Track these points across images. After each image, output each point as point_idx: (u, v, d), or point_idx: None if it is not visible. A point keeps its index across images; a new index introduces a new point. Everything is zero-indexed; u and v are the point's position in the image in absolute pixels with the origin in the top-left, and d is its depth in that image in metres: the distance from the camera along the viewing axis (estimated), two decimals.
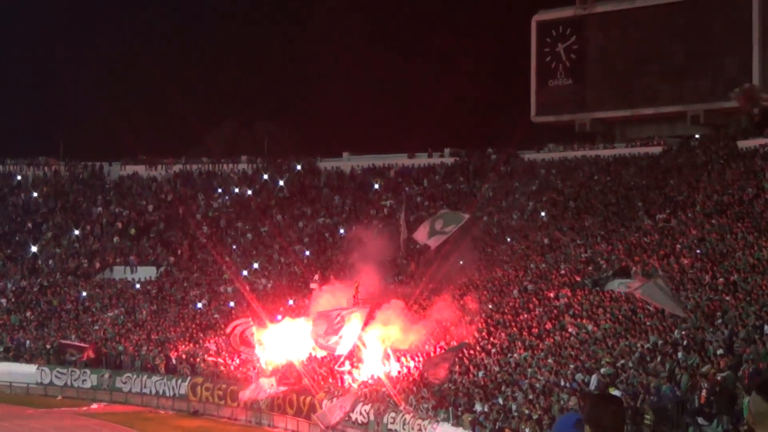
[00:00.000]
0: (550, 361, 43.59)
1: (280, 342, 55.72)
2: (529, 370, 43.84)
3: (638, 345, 40.94)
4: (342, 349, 51.88)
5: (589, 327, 45.77)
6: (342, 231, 75.47)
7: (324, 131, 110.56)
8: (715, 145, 67.61)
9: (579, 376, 40.56)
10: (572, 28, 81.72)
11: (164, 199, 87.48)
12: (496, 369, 45.46)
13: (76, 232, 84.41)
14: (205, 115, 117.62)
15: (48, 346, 66.72)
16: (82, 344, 64.94)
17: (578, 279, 53.14)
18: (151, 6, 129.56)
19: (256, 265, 73.82)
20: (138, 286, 75.56)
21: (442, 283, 57.87)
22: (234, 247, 77.83)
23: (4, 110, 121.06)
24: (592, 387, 38.70)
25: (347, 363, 53.24)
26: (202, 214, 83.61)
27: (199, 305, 69.50)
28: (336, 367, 53.03)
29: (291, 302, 62.94)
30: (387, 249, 61.78)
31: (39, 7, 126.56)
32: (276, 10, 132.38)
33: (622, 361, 39.87)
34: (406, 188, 79.03)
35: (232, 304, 68.35)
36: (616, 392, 35.24)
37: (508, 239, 63.60)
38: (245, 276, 72.50)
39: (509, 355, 46.70)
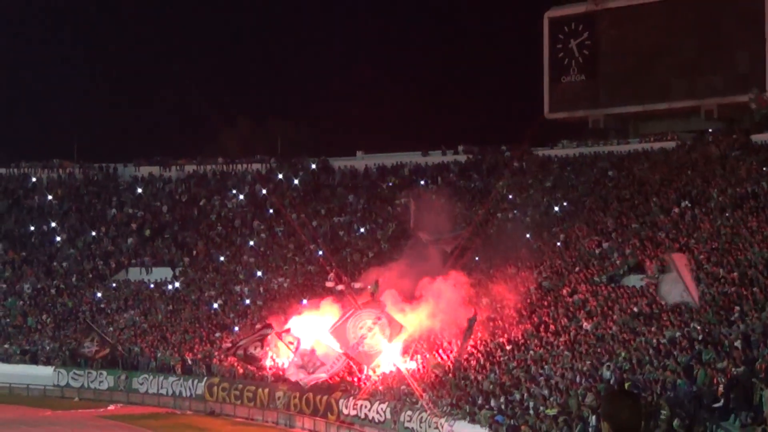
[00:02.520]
0: (566, 356, 43.56)
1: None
2: (546, 366, 43.84)
3: (654, 340, 40.89)
4: (370, 360, 51.99)
5: (605, 323, 45.74)
6: (361, 230, 75.52)
7: (338, 130, 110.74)
8: (729, 139, 67.45)
9: (595, 372, 40.52)
10: (584, 24, 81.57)
11: (178, 199, 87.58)
12: (513, 365, 45.45)
13: (92, 233, 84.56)
14: (218, 114, 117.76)
15: (64, 348, 66.96)
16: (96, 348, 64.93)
17: (593, 275, 53.10)
18: (163, 5, 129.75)
19: (270, 264, 73.82)
20: (152, 286, 75.62)
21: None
22: (249, 246, 77.85)
23: (19, 113, 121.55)
24: (608, 383, 38.65)
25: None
26: (217, 214, 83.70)
27: (215, 305, 69.54)
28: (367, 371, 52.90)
29: (305, 302, 62.90)
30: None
31: (51, 9, 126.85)
32: (290, 8, 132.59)
33: (638, 357, 39.83)
34: (421, 182, 79.05)
35: (247, 302, 68.43)
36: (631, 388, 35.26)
37: (528, 236, 63.43)
38: (260, 276, 72.56)
39: (525, 351, 46.69)
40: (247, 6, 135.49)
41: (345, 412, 50.29)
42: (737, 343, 36.75)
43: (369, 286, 58.87)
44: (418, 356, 52.05)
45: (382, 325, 51.74)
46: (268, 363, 56.65)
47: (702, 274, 45.44)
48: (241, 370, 58.13)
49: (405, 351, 52.79)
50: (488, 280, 56.75)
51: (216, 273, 75.25)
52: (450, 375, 47.17)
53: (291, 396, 53.46)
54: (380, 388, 49.92)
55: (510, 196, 71.54)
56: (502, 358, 47.07)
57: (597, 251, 56.71)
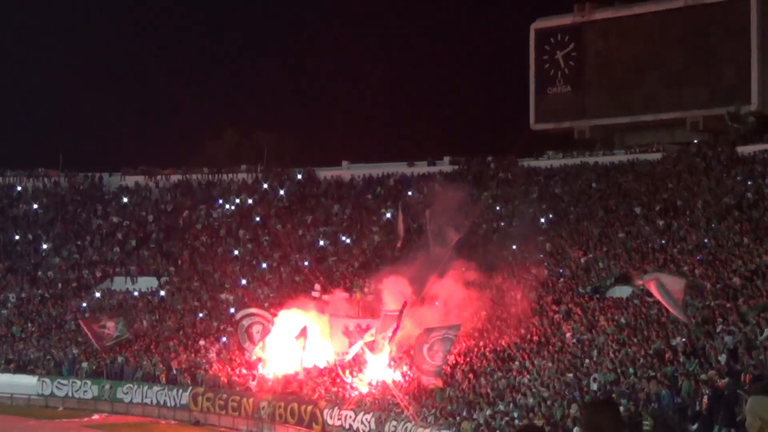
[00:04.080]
0: (551, 368, 43.64)
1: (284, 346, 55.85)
2: (527, 376, 43.92)
3: (639, 352, 40.99)
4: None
5: (590, 334, 45.85)
6: (347, 240, 75.49)
7: (323, 140, 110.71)
8: (714, 151, 67.66)
9: (580, 383, 40.61)
10: (571, 35, 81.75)
11: (164, 209, 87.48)
12: (497, 376, 45.51)
13: (77, 243, 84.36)
14: (204, 125, 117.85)
15: (48, 357, 66.89)
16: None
17: (578, 286, 53.22)
18: (150, 15, 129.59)
19: (256, 275, 73.76)
20: (137, 295, 75.50)
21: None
22: (234, 255, 77.76)
23: (4, 121, 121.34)
24: (593, 394, 38.74)
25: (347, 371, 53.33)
26: (202, 223, 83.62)
27: (200, 315, 69.41)
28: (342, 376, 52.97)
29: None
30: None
31: (35, 14, 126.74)
32: (275, 18, 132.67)
33: (623, 368, 39.92)
34: (409, 192, 79.04)
35: (232, 310, 68.31)
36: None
37: (513, 246, 63.45)
38: (245, 285, 72.47)
39: (510, 362, 46.77)
40: (233, 16, 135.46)
41: (330, 422, 50.24)
42: (721, 356, 36.88)
43: (357, 292, 59.07)
44: (404, 366, 52.05)
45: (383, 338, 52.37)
46: (252, 357, 56.98)
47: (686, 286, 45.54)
48: (225, 380, 58.11)
49: (391, 361, 52.80)
50: (474, 290, 56.73)
51: (201, 283, 75.13)
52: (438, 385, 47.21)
53: (276, 406, 53.44)
54: (365, 396, 49.94)
55: (496, 207, 71.59)
56: (487, 369, 47.11)
57: (582, 261, 56.84)
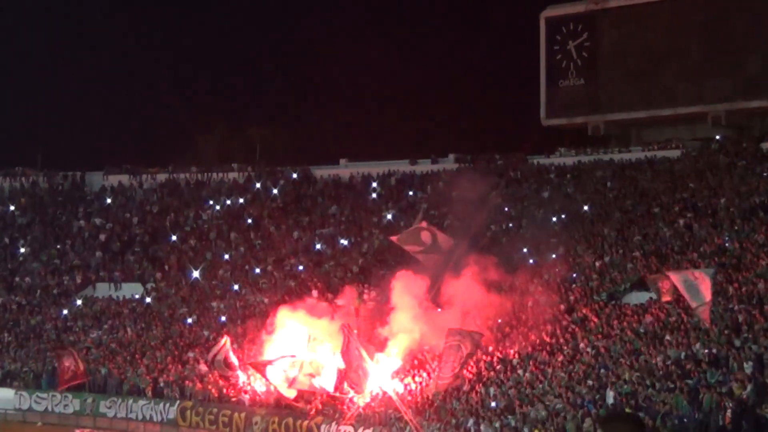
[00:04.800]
0: (564, 378, 43.58)
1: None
2: (540, 386, 43.87)
3: (658, 361, 40.93)
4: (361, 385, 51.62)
5: (605, 342, 45.77)
6: (345, 243, 75.34)
7: (320, 136, 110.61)
8: (737, 147, 67.58)
9: (595, 395, 40.54)
10: (584, 24, 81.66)
11: (150, 210, 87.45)
12: (507, 387, 45.45)
13: (57, 247, 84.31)
14: (193, 120, 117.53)
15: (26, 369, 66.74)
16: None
17: (592, 292, 53.15)
18: (135, 7, 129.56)
19: (248, 279, 73.68)
20: (122, 302, 75.41)
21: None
22: (225, 259, 77.67)
23: None
24: (609, 406, 38.68)
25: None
26: (191, 226, 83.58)
27: (189, 321, 69.30)
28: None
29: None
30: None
31: (15, 8, 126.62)
32: (270, 10, 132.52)
33: (640, 379, 39.84)
34: (409, 192, 78.91)
35: (223, 319, 68.23)
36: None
37: (524, 249, 63.36)
38: (237, 291, 72.40)
39: (521, 372, 46.70)
40: (225, 8, 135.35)
41: None
42: (747, 365, 36.80)
43: (356, 299, 58.87)
44: (408, 378, 51.93)
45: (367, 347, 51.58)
46: (242, 378, 56.55)
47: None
48: (216, 393, 57.98)
49: (394, 372, 52.65)
50: (483, 295, 56.62)
51: (190, 289, 75.06)
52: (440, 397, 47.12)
53: (269, 421, 53.34)
54: (365, 410, 49.85)
55: (506, 208, 71.48)
56: (495, 379, 47.06)
57: (597, 265, 56.76)
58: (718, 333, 40.87)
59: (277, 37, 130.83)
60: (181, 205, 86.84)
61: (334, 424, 50.12)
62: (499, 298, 54.98)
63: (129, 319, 72.63)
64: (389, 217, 76.18)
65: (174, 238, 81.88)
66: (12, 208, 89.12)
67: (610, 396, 39.74)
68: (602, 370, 43.02)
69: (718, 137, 72.69)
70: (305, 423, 51.44)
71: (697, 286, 39.19)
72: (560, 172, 75.23)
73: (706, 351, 39.85)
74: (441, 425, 44.66)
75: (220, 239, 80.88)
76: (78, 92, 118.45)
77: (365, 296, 58.75)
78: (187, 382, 60.19)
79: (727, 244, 52.14)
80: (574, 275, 56.81)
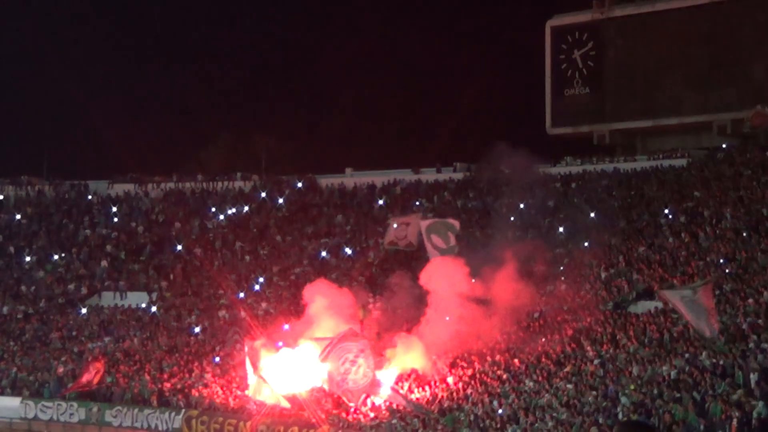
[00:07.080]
0: (570, 389, 43.46)
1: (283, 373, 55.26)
2: (546, 396, 43.75)
3: (664, 371, 40.82)
4: (357, 397, 51.41)
5: (611, 352, 45.67)
6: (350, 252, 75.16)
7: (325, 146, 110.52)
8: (743, 156, 67.49)
9: (601, 405, 40.42)
10: (589, 33, 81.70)
11: (155, 219, 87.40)
12: (512, 397, 45.33)
13: (62, 255, 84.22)
14: (198, 129, 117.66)
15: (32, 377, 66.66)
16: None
17: (598, 302, 53.05)
18: (141, 15, 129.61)
19: (255, 288, 73.57)
20: (127, 311, 75.33)
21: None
22: (230, 269, 77.55)
23: None
24: (615, 416, 38.55)
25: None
26: (197, 235, 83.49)
27: (197, 330, 69.21)
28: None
29: (287, 327, 62.43)
30: None
31: (18, 15, 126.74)
32: (276, 19, 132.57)
33: (647, 389, 39.73)
34: (415, 202, 78.83)
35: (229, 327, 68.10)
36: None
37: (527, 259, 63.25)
38: (242, 299, 72.24)
39: (526, 382, 46.58)
40: (231, 16, 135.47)
41: None
42: (753, 376, 36.68)
43: (360, 311, 58.70)
44: (414, 386, 51.82)
45: (366, 356, 51.14)
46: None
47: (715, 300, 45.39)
48: (221, 402, 57.84)
49: (399, 380, 52.51)
50: (487, 305, 56.51)
51: (196, 297, 74.95)
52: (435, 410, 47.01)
53: (275, 430, 53.21)
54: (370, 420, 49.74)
55: (511, 218, 71.31)
56: (500, 390, 46.95)
57: (603, 276, 56.64)
58: (724, 343, 40.76)
59: (283, 47, 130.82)
60: (187, 214, 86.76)
61: None
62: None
63: (134, 328, 72.53)
64: (395, 226, 75.96)
65: (179, 247, 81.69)
66: (18, 216, 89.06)
67: (617, 406, 39.62)
68: (609, 381, 42.90)
69: (724, 146, 72.61)
70: None
71: (698, 300, 39.11)
72: (566, 182, 75.09)
73: (713, 362, 39.72)
74: None
75: (226, 248, 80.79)
76: (84, 101, 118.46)
77: (370, 306, 58.50)
78: (192, 390, 60.13)
79: (734, 253, 52.00)
80: (580, 284, 56.66)
